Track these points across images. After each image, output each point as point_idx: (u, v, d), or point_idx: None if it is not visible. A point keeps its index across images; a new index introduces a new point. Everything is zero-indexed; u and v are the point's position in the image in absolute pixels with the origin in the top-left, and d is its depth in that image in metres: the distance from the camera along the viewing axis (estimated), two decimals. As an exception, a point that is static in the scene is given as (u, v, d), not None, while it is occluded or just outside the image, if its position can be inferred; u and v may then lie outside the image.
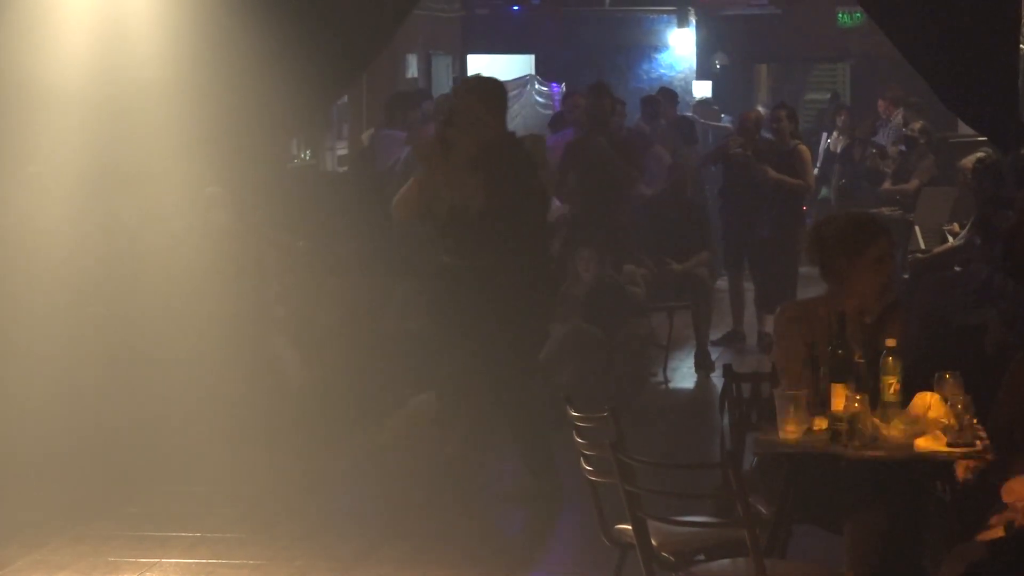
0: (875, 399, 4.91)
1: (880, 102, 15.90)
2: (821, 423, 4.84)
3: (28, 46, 8.48)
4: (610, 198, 10.82)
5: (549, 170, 7.99)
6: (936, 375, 4.91)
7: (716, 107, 18.54)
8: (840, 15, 20.62)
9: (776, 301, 9.68)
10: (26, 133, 8.49)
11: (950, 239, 10.17)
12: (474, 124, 7.13)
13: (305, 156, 14.72)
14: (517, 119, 18.59)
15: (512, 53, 20.59)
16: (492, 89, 7.38)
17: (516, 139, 7.41)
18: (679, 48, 20.77)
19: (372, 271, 9.52)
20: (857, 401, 4.74)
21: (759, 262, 11.68)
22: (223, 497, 7.42)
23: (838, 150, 15.78)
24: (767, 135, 12.19)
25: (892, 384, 4.92)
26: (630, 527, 4.75)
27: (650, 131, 14.20)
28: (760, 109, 14.77)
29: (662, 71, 20.65)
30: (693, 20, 20.68)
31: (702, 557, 4.91)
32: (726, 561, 4.84)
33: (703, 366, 10.89)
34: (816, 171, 14.30)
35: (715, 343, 11.54)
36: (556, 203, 11.06)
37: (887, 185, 14.16)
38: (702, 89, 20.14)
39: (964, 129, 13.05)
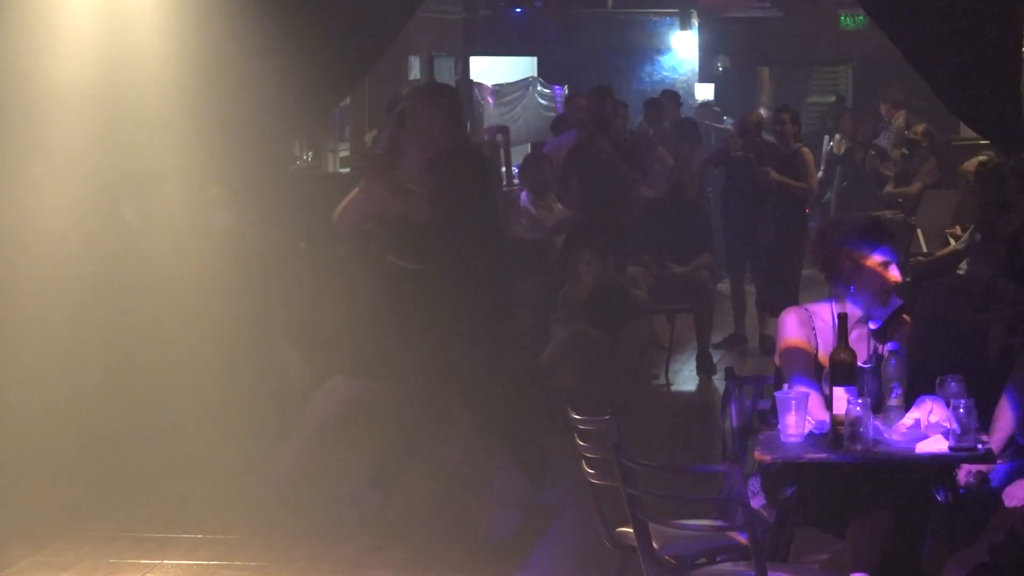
0: (878, 403, 4.92)
1: (882, 105, 15.90)
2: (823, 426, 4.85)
3: (31, 48, 8.48)
4: (613, 200, 10.82)
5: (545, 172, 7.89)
6: (938, 379, 4.92)
7: (718, 109, 18.55)
8: (842, 18, 20.64)
9: (778, 304, 9.68)
10: (29, 134, 8.49)
11: (952, 242, 10.17)
12: (427, 131, 7.05)
13: (307, 158, 14.73)
14: (520, 121, 18.61)
15: (515, 55, 20.62)
16: (446, 95, 7.31)
17: (471, 146, 7.37)
18: (681, 50, 20.78)
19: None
20: (859, 405, 4.74)
21: (761, 265, 11.68)
22: (224, 499, 7.42)
23: (841, 152, 15.78)
24: (768, 137, 12.20)
25: (894, 388, 4.92)
26: (631, 530, 4.75)
27: (653, 133, 14.21)
28: (762, 111, 14.78)
29: (664, 73, 20.66)
30: (695, 22, 20.69)
31: (703, 560, 4.92)
32: (727, 564, 4.85)
33: (705, 368, 10.89)
34: (820, 174, 14.30)
35: (717, 346, 11.54)
36: (559, 206, 11.09)
37: (889, 188, 14.16)
38: (704, 92, 20.16)
39: (966, 132, 13.07)
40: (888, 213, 13.16)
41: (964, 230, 9.85)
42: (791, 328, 5.24)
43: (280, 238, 9.09)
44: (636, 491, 4.66)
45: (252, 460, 7.79)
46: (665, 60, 20.83)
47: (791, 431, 4.85)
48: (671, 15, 20.69)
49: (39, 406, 7.84)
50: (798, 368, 5.13)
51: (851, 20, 20.42)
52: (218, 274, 8.35)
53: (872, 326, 5.25)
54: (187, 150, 8.67)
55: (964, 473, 5.19)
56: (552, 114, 17.87)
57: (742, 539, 4.76)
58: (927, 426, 4.74)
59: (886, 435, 4.74)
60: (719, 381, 10.40)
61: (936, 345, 6.08)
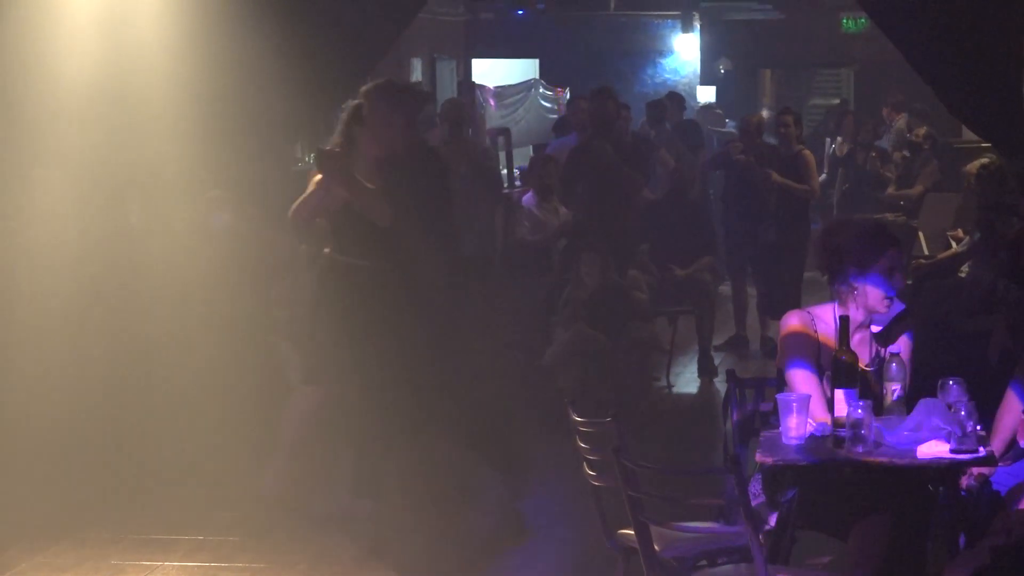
0: (879, 405, 4.91)
1: (884, 108, 15.90)
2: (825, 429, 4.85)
3: (33, 49, 8.48)
4: (614, 203, 10.81)
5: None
6: (940, 381, 4.91)
7: (720, 111, 18.56)
8: (844, 20, 20.65)
9: (780, 306, 9.69)
10: (32, 136, 8.49)
11: (954, 245, 10.16)
12: (384, 129, 6.90)
13: (308, 159, 14.71)
14: (521, 123, 18.63)
15: (516, 57, 20.62)
16: (404, 95, 7.11)
17: (427, 147, 7.27)
18: (684, 53, 20.80)
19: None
20: (861, 407, 4.73)
21: (763, 267, 11.67)
22: (225, 501, 7.42)
23: (843, 154, 15.79)
24: (770, 139, 12.19)
25: (896, 390, 4.92)
26: (632, 532, 4.75)
27: (654, 136, 14.20)
28: (763, 113, 14.78)
29: (666, 76, 20.68)
30: (697, 25, 20.71)
31: (705, 563, 4.92)
32: (729, 567, 4.85)
33: (706, 371, 10.89)
34: (823, 176, 14.31)
35: (718, 348, 11.53)
36: (563, 209, 11.08)
37: (891, 190, 14.17)
38: (706, 94, 20.16)
39: (968, 135, 13.05)
40: (890, 215, 13.17)
41: (966, 232, 9.85)
42: (794, 330, 5.24)
43: (281, 239, 9.09)
44: (637, 493, 4.65)
45: (253, 461, 7.79)
46: (667, 62, 20.84)
47: (792, 433, 4.85)
48: (673, 18, 20.71)
49: (41, 408, 7.84)
50: (800, 370, 5.13)
51: (852, 23, 20.42)
52: (220, 275, 8.35)
53: (874, 329, 5.25)
54: (188, 152, 8.68)
55: (965, 475, 5.19)
56: (555, 116, 17.87)
57: (743, 542, 4.76)
58: (928, 429, 4.74)
59: (887, 437, 4.74)
60: (720, 383, 10.39)
61: (938, 347, 6.09)
